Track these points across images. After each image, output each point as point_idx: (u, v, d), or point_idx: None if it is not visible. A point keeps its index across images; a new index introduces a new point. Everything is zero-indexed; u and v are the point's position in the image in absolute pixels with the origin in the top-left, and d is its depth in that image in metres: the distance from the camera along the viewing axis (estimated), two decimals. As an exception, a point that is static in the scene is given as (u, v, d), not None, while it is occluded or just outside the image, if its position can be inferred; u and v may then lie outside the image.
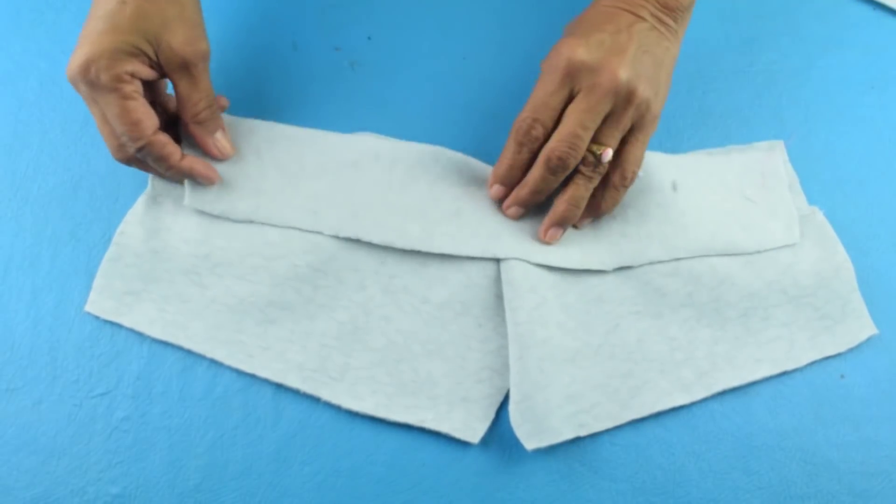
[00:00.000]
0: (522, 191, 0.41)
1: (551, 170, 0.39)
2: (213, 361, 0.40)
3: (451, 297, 0.41)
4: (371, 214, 0.41)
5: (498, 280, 0.41)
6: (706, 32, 0.51)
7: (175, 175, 0.40)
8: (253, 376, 0.40)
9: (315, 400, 0.40)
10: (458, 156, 0.44)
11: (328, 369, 0.40)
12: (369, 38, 0.51)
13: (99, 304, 0.40)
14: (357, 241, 0.42)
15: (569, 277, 0.42)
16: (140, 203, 0.42)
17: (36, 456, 0.38)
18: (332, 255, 0.41)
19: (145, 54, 0.37)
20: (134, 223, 0.41)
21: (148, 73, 0.38)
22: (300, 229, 0.41)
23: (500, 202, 0.43)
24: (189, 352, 0.40)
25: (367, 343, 0.40)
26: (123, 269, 0.41)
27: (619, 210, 0.43)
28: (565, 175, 0.40)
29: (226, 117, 0.43)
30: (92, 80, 0.36)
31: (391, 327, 0.41)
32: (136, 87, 0.37)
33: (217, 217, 0.41)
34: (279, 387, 0.40)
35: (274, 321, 0.40)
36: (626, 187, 0.41)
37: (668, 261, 0.42)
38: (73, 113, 0.46)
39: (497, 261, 0.42)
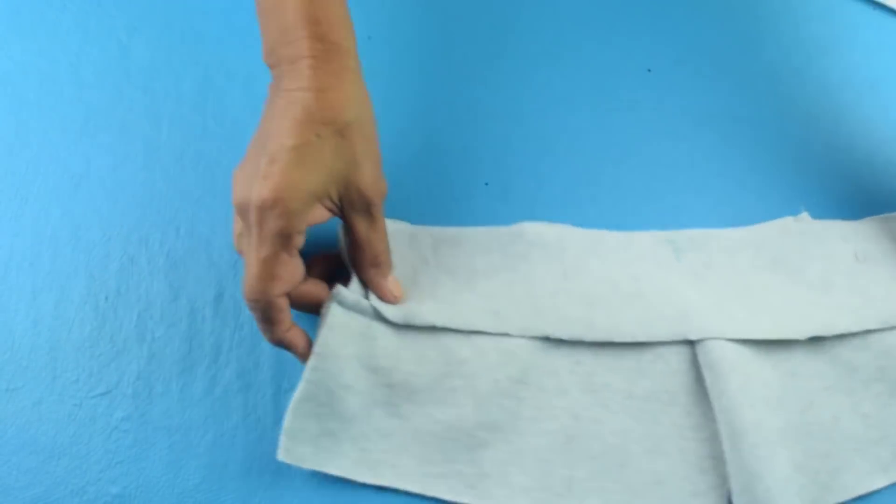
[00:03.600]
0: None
1: None
2: (212, 361, 0.40)
3: (655, 387, 0.39)
4: (554, 308, 0.40)
5: (696, 363, 0.39)
6: (706, 33, 0.51)
7: (272, 341, 0.36)
8: (253, 376, 0.40)
9: (315, 400, 0.40)
10: (621, 234, 0.43)
11: (552, 486, 0.38)
12: (369, 38, 0.51)
13: (294, 451, 0.37)
14: (547, 342, 0.39)
15: (761, 352, 0.40)
16: (322, 337, 0.37)
17: (36, 456, 0.38)
18: (528, 362, 0.39)
19: (329, 197, 0.34)
20: (325, 357, 0.37)
21: (323, 217, 0.35)
22: (486, 333, 0.39)
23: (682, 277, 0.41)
24: (190, 352, 0.40)
25: (585, 451, 0.38)
26: (316, 409, 0.37)
27: (804, 279, 0.42)
28: None
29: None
30: (264, 219, 0.32)
31: (604, 429, 0.39)
32: (301, 241, 0.34)
33: (402, 336, 0.39)
34: (279, 387, 0.40)
35: (485, 444, 0.38)
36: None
37: (858, 333, 0.40)
38: (73, 113, 0.46)
39: (690, 342, 0.40)
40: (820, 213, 0.46)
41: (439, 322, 0.39)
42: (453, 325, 0.39)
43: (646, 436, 0.39)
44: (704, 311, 0.40)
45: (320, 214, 0.35)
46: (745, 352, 0.39)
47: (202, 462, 0.38)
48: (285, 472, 0.38)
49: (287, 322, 0.36)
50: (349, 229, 0.37)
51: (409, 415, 0.38)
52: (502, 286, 0.40)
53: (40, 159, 0.45)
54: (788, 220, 0.43)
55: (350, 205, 0.35)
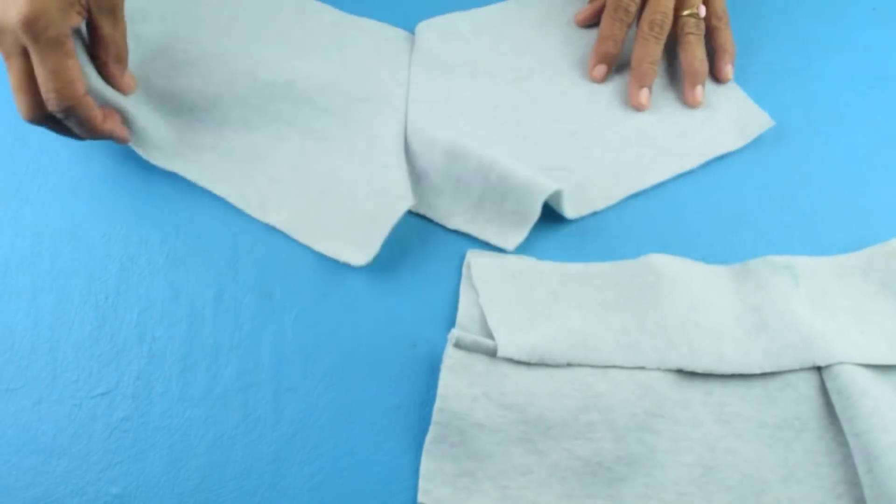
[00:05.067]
0: (641, 66, 0.47)
1: (654, 35, 0.46)
2: (212, 361, 0.40)
3: (786, 414, 0.39)
4: (685, 340, 0.40)
5: (823, 388, 0.40)
6: (706, 32, 0.51)
7: (94, 137, 0.40)
8: (253, 376, 0.40)
9: (315, 400, 0.40)
10: (738, 266, 0.43)
11: None
12: (369, 38, 0.51)
13: (433, 492, 0.37)
14: (679, 375, 0.40)
15: (879, 374, 0.40)
16: (444, 379, 0.38)
17: (36, 456, 0.38)
18: (663, 395, 0.39)
19: (80, 2, 0.38)
20: (449, 398, 0.38)
21: (78, 20, 0.38)
22: (622, 367, 0.39)
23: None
24: (190, 352, 0.40)
25: (722, 482, 0.38)
26: (450, 449, 0.38)
27: None
28: (664, 38, 0.47)
29: (503, 260, 0.42)
30: (37, 34, 0.35)
31: (739, 459, 0.39)
32: (73, 44, 0.37)
33: (534, 370, 0.39)
34: (279, 386, 0.40)
35: (625, 479, 0.38)
36: (727, 24, 0.49)
37: None
38: (73, 113, 0.46)
39: (817, 368, 0.40)
40: (818, 213, 0.46)
41: (575, 360, 0.39)
42: (588, 362, 0.39)
43: (780, 464, 0.39)
44: (829, 337, 0.40)
45: (76, 19, 0.38)
46: (870, 376, 0.39)
47: (202, 462, 0.38)
48: (285, 472, 0.38)
49: (100, 115, 0.40)
50: (93, 29, 0.40)
51: (548, 450, 0.38)
52: (634, 319, 0.41)
53: (40, 159, 0.45)
54: (893, 243, 0.44)
55: (98, 6, 0.39)
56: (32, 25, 0.35)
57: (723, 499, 0.38)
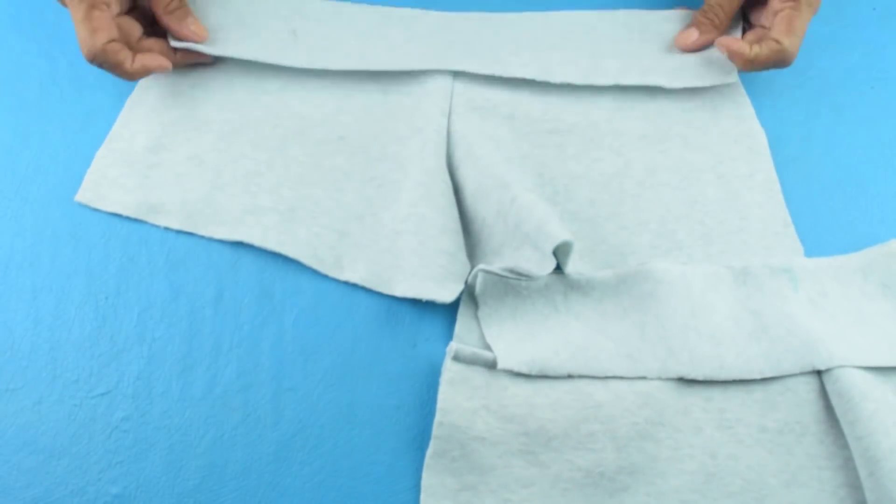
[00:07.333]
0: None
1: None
2: (212, 361, 0.40)
3: (787, 418, 0.39)
4: (685, 347, 0.40)
5: (823, 392, 0.40)
6: (706, 32, 0.51)
7: (133, 77, 0.42)
8: (253, 376, 0.40)
9: (315, 400, 0.40)
10: (738, 267, 0.43)
11: None
12: (369, 38, 0.51)
13: None
14: (679, 382, 0.40)
15: (879, 377, 0.40)
16: (443, 393, 0.38)
17: (36, 456, 0.38)
18: (663, 403, 0.39)
19: None
20: (449, 412, 0.38)
21: None
22: (622, 377, 0.39)
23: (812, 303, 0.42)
24: (190, 352, 0.40)
25: (724, 488, 0.38)
26: (451, 464, 0.38)
27: None
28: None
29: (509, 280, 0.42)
30: None
31: (741, 465, 0.39)
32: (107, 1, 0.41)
33: (534, 382, 0.39)
34: (279, 386, 0.40)
35: (627, 488, 0.38)
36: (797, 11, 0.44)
37: None
38: (73, 113, 0.46)
39: (817, 372, 0.40)
40: (818, 213, 0.46)
41: (575, 371, 0.39)
42: (589, 373, 0.39)
43: (782, 468, 0.39)
44: (829, 341, 0.40)
45: None
46: (871, 379, 0.39)
47: (202, 462, 0.38)
48: (285, 472, 0.38)
49: (128, 60, 0.42)
50: None
51: (549, 462, 0.38)
52: (634, 328, 0.41)
53: (40, 159, 0.45)
54: (893, 244, 0.43)
55: None
56: None
57: None
